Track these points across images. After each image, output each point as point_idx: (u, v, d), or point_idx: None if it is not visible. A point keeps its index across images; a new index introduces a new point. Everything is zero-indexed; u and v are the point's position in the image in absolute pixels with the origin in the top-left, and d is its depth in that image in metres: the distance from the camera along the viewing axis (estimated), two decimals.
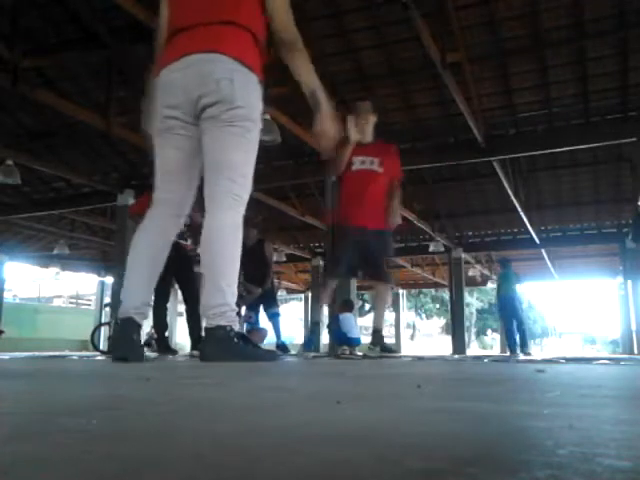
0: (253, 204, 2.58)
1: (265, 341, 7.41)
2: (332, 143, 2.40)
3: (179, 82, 2.27)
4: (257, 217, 7.59)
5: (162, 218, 2.43)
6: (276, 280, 22.45)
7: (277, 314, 7.60)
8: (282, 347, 7.25)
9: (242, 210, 2.32)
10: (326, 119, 2.34)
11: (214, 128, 2.26)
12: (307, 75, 2.31)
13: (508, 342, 10.77)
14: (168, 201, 2.41)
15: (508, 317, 10.56)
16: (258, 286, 7.19)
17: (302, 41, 2.33)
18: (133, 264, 2.40)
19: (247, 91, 2.27)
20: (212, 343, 2.24)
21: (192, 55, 2.26)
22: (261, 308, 7.48)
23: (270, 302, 7.58)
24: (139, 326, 2.36)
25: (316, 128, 2.35)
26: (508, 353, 10.21)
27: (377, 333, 4.48)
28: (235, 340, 2.24)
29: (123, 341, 2.32)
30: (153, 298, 5.79)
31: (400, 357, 4.82)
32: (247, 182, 2.32)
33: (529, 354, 9.80)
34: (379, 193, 4.34)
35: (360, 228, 4.23)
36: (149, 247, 2.42)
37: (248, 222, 8.25)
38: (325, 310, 6.02)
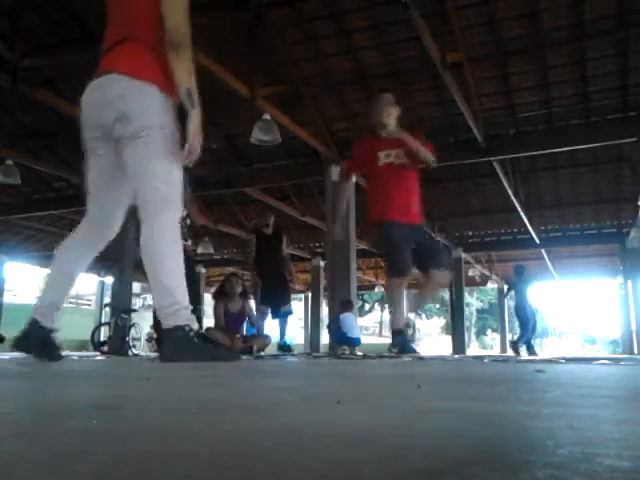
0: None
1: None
2: (199, 145, 2.46)
3: (89, 105, 2.42)
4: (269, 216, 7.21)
5: (87, 231, 2.54)
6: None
7: (290, 312, 7.24)
8: (285, 348, 7.05)
9: (176, 211, 2.41)
10: (196, 117, 2.44)
11: (126, 146, 2.36)
12: (187, 77, 2.38)
13: (525, 343, 10.70)
14: (95, 216, 2.53)
15: (526, 321, 10.61)
16: (280, 287, 6.90)
17: (188, 42, 2.39)
18: (51, 269, 2.54)
19: (142, 103, 2.35)
20: (171, 343, 2.28)
21: (96, 79, 2.41)
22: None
23: (285, 298, 7.20)
24: (42, 327, 2.41)
25: (188, 127, 2.42)
26: (525, 353, 10.22)
27: (396, 333, 4.23)
28: (195, 340, 2.27)
29: (27, 339, 2.41)
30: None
31: (402, 357, 4.81)
32: (173, 185, 2.40)
33: (535, 354, 9.95)
34: (411, 186, 4.25)
35: (396, 223, 4.11)
36: (68, 258, 2.52)
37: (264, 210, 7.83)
38: (325, 310, 5.99)
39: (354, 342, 8.06)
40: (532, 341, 10.70)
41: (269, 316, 7.10)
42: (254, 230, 7.34)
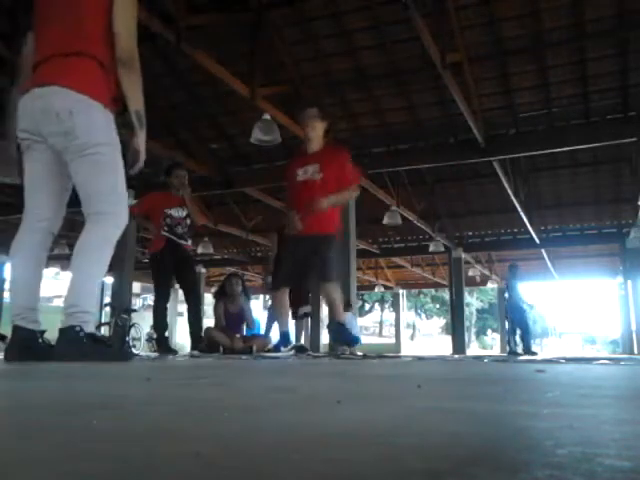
0: None
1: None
2: (142, 162, 2.55)
3: (28, 111, 2.44)
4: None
5: (29, 229, 2.65)
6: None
7: (308, 314, 6.84)
8: (301, 349, 6.68)
9: (119, 221, 2.49)
10: (143, 137, 2.51)
11: (72, 160, 2.43)
12: (135, 95, 2.45)
13: (511, 342, 10.90)
14: (33, 213, 2.63)
15: (517, 321, 10.74)
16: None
17: (138, 63, 2.45)
18: (12, 276, 2.63)
19: (89, 120, 2.40)
20: (63, 343, 2.37)
21: (38, 88, 2.42)
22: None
23: (305, 297, 6.80)
24: (28, 330, 2.46)
25: (133, 145, 2.51)
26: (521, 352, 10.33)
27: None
28: (84, 340, 2.36)
29: (14, 347, 2.46)
30: (154, 298, 5.75)
31: (400, 357, 4.82)
32: (117, 199, 2.50)
33: (534, 353, 10.03)
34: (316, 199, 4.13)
35: (301, 237, 4.17)
36: (21, 258, 2.60)
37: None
38: (325, 310, 5.94)
39: (354, 342, 8.05)
40: (517, 338, 10.81)
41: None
42: (278, 230, 6.91)
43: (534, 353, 10.20)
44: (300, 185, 4.23)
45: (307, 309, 6.78)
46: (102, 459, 0.48)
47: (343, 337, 4.53)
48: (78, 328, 2.35)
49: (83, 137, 2.38)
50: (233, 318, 6.46)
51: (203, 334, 5.74)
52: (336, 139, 4.85)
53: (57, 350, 2.36)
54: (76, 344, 2.34)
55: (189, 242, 5.57)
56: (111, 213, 2.47)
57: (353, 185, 4.28)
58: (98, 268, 2.47)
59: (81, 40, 2.42)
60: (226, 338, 6.18)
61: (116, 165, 2.48)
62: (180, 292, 5.86)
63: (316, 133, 4.26)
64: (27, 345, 2.44)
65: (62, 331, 2.38)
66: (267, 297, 35.84)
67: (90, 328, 2.43)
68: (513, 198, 9.94)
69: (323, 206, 4.07)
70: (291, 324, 6.84)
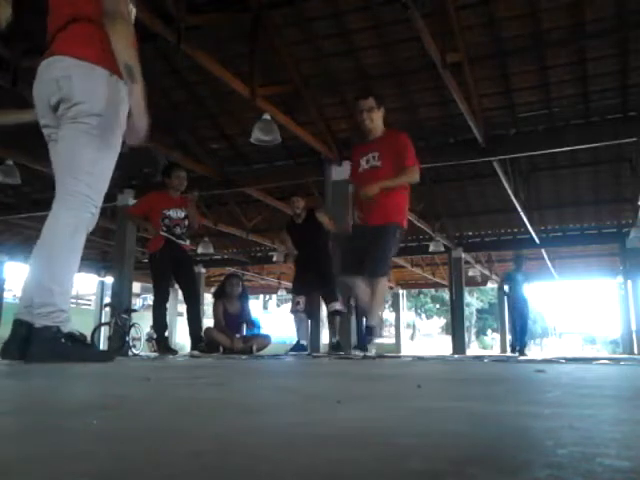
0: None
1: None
2: (144, 123, 2.28)
3: (37, 93, 2.36)
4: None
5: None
6: (277, 280, 22.40)
7: (336, 311, 5.96)
8: (337, 347, 5.99)
9: (91, 210, 2.29)
10: (137, 92, 2.26)
11: (62, 127, 2.28)
12: (124, 49, 2.25)
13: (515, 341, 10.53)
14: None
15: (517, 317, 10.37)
16: (323, 280, 5.83)
17: (125, 14, 2.27)
18: (29, 265, 2.40)
19: (89, 85, 2.26)
20: (38, 344, 2.20)
21: (40, 65, 2.34)
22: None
23: (331, 294, 5.96)
24: (29, 324, 2.27)
25: (130, 104, 2.28)
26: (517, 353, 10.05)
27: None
28: (62, 340, 2.21)
29: (12, 341, 2.28)
30: (152, 298, 5.73)
31: (399, 357, 4.81)
32: (96, 180, 2.29)
33: (524, 354, 9.76)
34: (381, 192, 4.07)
35: (366, 226, 4.11)
36: (38, 248, 2.34)
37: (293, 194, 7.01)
38: (324, 310, 5.88)
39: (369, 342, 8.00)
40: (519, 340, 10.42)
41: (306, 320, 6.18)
42: (286, 225, 6.34)
43: (524, 354, 9.87)
44: (363, 175, 4.21)
45: (337, 306, 5.95)
46: (102, 459, 0.48)
47: (363, 341, 4.40)
48: (55, 328, 2.19)
49: (81, 104, 2.23)
50: (233, 318, 6.46)
51: (203, 334, 5.73)
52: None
53: (33, 351, 2.19)
54: (52, 345, 2.18)
55: (187, 242, 5.57)
56: (85, 197, 2.25)
57: (409, 167, 4.11)
58: (73, 261, 2.26)
59: (72, 5, 2.33)
60: (226, 338, 6.17)
61: (107, 143, 2.28)
62: (180, 292, 5.85)
63: (375, 123, 4.26)
64: (27, 339, 2.27)
65: (36, 331, 2.19)
66: (268, 298, 35.77)
67: (67, 328, 2.25)
68: (513, 198, 9.94)
69: (374, 191, 3.98)
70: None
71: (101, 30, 2.25)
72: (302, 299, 5.95)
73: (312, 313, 6.41)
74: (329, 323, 6.20)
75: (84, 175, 2.25)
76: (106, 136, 2.28)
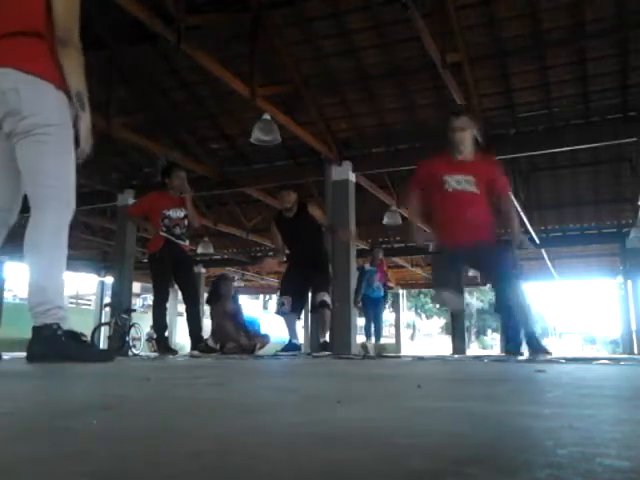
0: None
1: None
2: (88, 148, 2.41)
3: None
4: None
5: None
6: (277, 280, 22.37)
7: (324, 304, 5.40)
8: (294, 347, 5.61)
9: (65, 208, 2.36)
10: (86, 119, 2.39)
11: (19, 142, 2.32)
12: (75, 76, 2.33)
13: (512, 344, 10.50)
14: None
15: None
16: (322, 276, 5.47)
17: (78, 42, 2.33)
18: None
19: (37, 99, 2.30)
20: (38, 342, 2.23)
21: None
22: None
23: (322, 284, 5.51)
24: (41, 327, 2.30)
25: (79, 129, 2.39)
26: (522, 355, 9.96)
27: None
28: (63, 339, 2.23)
29: (32, 344, 2.31)
30: (152, 298, 5.73)
31: (399, 357, 4.81)
32: (64, 184, 2.36)
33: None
34: (480, 215, 4.12)
35: (465, 244, 4.05)
36: (26, 251, 2.44)
37: (283, 187, 6.77)
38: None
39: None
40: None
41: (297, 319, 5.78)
42: (275, 219, 5.71)
43: (520, 354, 9.69)
44: (453, 195, 4.12)
45: (325, 297, 5.42)
46: (102, 459, 0.48)
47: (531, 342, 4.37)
48: (55, 326, 2.21)
49: (31, 117, 2.27)
50: (232, 317, 6.53)
51: (216, 343, 5.77)
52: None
53: (33, 350, 2.22)
54: (53, 344, 2.20)
55: (187, 242, 5.57)
56: (58, 199, 2.33)
57: (509, 195, 4.34)
58: (60, 257, 2.32)
59: (24, 18, 2.32)
60: (236, 337, 6.29)
61: (65, 148, 2.35)
62: (180, 292, 5.85)
63: (468, 143, 4.16)
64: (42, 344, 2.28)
65: (36, 330, 2.23)
66: (269, 298, 35.72)
67: (67, 325, 2.27)
68: (513, 198, 9.93)
69: (523, 241, 4.42)
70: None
71: (49, 45, 2.30)
72: (288, 300, 5.47)
73: (312, 310, 5.94)
74: (318, 318, 5.70)
75: (53, 180, 2.33)
76: (62, 141, 2.35)
